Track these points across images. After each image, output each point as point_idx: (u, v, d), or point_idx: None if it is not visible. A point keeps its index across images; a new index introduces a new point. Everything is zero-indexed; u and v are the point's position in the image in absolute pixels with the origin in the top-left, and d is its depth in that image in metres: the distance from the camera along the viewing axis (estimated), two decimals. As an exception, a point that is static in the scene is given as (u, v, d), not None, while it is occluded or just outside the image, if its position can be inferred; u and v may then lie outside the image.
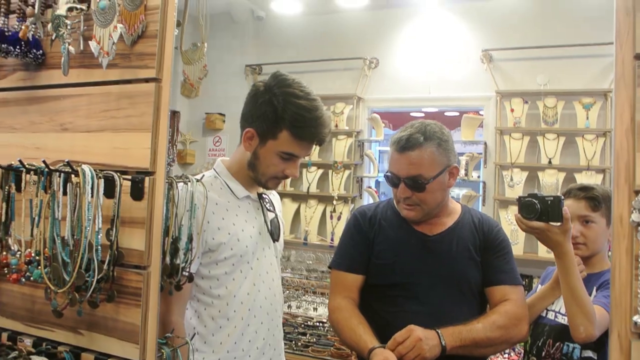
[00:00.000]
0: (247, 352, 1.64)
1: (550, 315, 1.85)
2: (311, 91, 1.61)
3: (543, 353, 1.81)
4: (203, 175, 1.67)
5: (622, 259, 0.98)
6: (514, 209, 4.05)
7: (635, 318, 0.94)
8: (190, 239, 1.35)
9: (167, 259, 1.31)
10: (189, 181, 1.36)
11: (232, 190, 1.67)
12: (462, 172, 4.30)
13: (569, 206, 1.70)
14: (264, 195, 1.76)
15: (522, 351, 2.03)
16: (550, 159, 4.10)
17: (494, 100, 4.32)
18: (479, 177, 4.46)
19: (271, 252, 1.75)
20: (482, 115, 4.43)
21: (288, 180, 4.70)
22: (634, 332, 0.96)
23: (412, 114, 5.29)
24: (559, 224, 1.55)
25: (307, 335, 3.32)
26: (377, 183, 5.44)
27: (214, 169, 1.73)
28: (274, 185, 1.70)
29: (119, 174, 1.18)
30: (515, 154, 4.19)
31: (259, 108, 1.61)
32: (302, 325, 3.42)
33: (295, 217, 4.70)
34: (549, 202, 1.56)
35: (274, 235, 1.75)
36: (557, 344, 1.79)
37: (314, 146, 1.66)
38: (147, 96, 1.22)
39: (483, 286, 1.74)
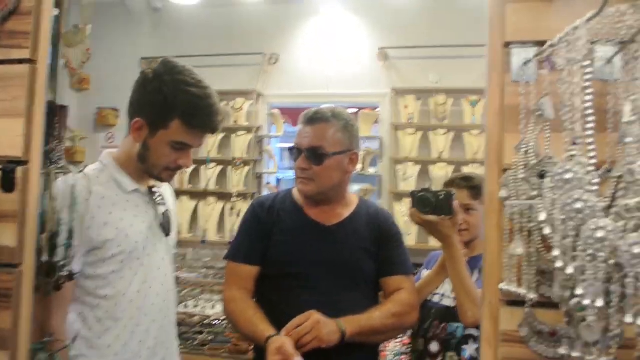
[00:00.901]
0: (137, 353, 1.56)
1: (436, 299, 1.96)
2: (203, 79, 1.56)
3: (430, 334, 1.92)
4: (85, 167, 1.57)
5: (493, 232, 1.06)
6: (408, 201, 4.26)
7: (501, 285, 1.02)
8: (70, 235, 1.26)
9: (44, 257, 1.22)
10: (70, 172, 1.27)
11: (119, 184, 1.58)
12: (359, 166, 4.42)
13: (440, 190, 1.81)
14: (154, 189, 1.69)
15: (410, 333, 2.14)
16: (440, 153, 4.34)
17: (389, 97, 4.50)
18: (375, 171, 4.62)
19: (163, 247, 1.68)
20: (378, 111, 4.60)
21: (186, 177, 4.58)
22: (502, 300, 1.04)
23: (304, 115, 5.35)
24: (449, 217, 1.65)
25: (204, 333, 3.25)
26: (278, 180, 5.46)
27: (100, 161, 1.63)
28: (168, 177, 1.63)
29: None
30: (409, 149, 4.40)
31: (148, 96, 1.53)
32: (199, 324, 3.35)
33: (193, 215, 4.59)
34: (441, 197, 1.65)
35: (166, 229, 1.68)
36: (443, 324, 1.91)
37: (207, 135, 1.61)
38: (21, 78, 1.12)
39: (378, 277, 1.79)
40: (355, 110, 4.64)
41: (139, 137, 1.55)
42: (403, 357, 3.03)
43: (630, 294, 0.78)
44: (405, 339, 3.09)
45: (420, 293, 1.89)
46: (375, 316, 1.68)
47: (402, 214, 4.20)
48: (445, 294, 1.93)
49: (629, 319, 0.79)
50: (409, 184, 4.31)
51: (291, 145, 1.79)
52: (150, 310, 1.59)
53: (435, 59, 4.42)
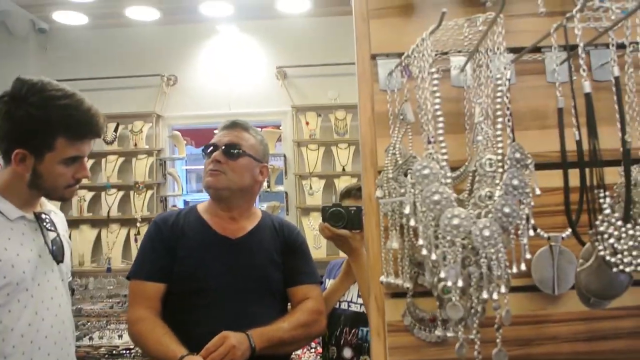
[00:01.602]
0: None
1: (344, 305, 2.02)
2: (65, 87, 1.53)
3: (341, 341, 1.97)
4: None
5: (373, 232, 1.13)
6: (315, 214, 4.36)
7: (381, 278, 1.09)
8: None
9: None
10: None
11: (1, 212, 1.51)
12: (265, 183, 4.46)
13: (350, 204, 1.88)
14: (42, 215, 1.62)
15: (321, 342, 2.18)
16: (343, 166, 4.49)
17: (290, 114, 4.59)
18: (281, 188, 4.68)
19: (55, 275, 1.61)
20: (281, 129, 4.67)
21: (85, 205, 4.39)
22: (386, 293, 1.11)
23: (215, 131, 5.33)
24: (360, 231, 1.72)
25: (113, 364, 3.12)
26: (186, 203, 5.35)
27: None
28: (71, 194, 1.60)
29: None
30: (313, 164, 4.51)
31: (20, 125, 1.47)
32: (106, 355, 3.20)
33: (96, 243, 4.39)
34: (352, 211, 1.72)
35: (57, 256, 1.62)
36: (353, 330, 1.96)
37: (92, 139, 1.57)
38: None
39: (285, 287, 1.81)
40: (258, 129, 4.69)
41: (26, 168, 1.49)
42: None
43: (485, 273, 0.88)
44: (319, 348, 3.15)
45: (328, 301, 1.92)
46: (283, 327, 1.69)
47: (310, 227, 4.28)
48: (352, 300, 1.99)
49: (485, 294, 0.88)
50: (315, 198, 4.41)
51: (205, 147, 1.83)
52: (44, 344, 1.51)
53: (332, 77, 4.58)
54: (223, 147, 1.76)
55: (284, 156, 4.60)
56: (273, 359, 1.71)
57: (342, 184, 4.45)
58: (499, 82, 0.86)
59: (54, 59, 4.71)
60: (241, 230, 1.83)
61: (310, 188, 4.46)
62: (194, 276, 1.73)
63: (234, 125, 1.83)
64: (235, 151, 1.76)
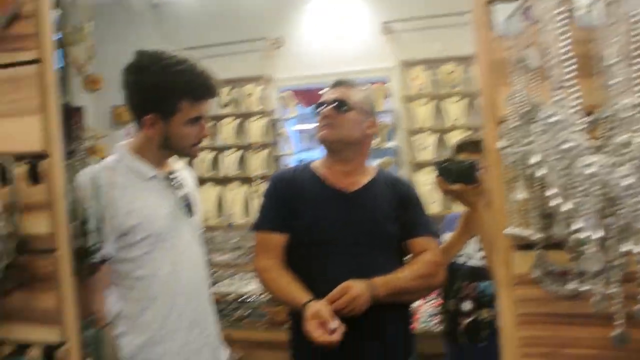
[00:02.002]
0: (177, 328, 1.65)
1: (461, 260, 2.00)
2: (179, 53, 1.66)
3: (461, 294, 1.97)
4: (102, 160, 1.66)
5: (495, 184, 1.10)
6: (427, 170, 4.30)
7: (506, 230, 1.06)
8: (99, 222, 1.34)
9: (78, 243, 1.30)
10: (89, 164, 1.35)
11: (138, 172, 1.66)
12: (376, 140, 4.46)
13: (465, 159, 1.83)
14: (173, 173, 1.77)
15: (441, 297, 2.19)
16: (455, 120, 4.34)
17: (397, 69, 4.49)
18: (392, 144, 4.64)
19: (188, 228, 1.76)
20: (388, 85, 4.60)
21: (207, 165, 4.67)
22: (513, 245, 1.08)
23: (320, 92, 5.38)
24: (475, 185, 1.68)
25: (241, 309, 3.36)
26: (297, 161, 5.51)
27: (116, 154, 1.71)
28: (196, 151, 1.75)
29: (12, 159, 1.16)
30: (423, 119, 4.40)
31: (147, 93, 1.62)
32: (235, 301, 3.46)
33: (218, 201, 4.68)
34: (465, 166, 1.70)
35: (189, 210, 1.77)
36: (472, 283, 1.95)
37: (210, 100, 1.70)
38: (31, 78, 1.19)
39: (402, 239, 1.84)
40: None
41: (156, 131, 1.63)
42: (436, 317, 3.10)
43: (625, 224, 0.82)
44: (438, 300, 3.17)
45: (446, 255, 1.92)
46: (403, 276, 1.73)
47: (423, 183, 4.23)
48: (470, 255, 1.97)
49: (625, 247, 0.82)
50: (427, 153, 4.34)
51: (317, 103, 1.90)
52: (183, 289, 1.67)
53: (439, 29, 4.37)
54: (331, 104, 1.82)
55: (393, 112, 4.54)
56: (394, 308, 1.75)
57: (454, 138, 4.31)
58: (637, 18, 0.78)
59: (168, 30, 4.97)
60: (356, 184, 1.86)
61: (422, 143, 4.37)
62: (311, 228, 1.80)
63: (340, 84, 1.89)
64: (343, 106, 1.81)
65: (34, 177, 1.18)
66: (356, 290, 1.61)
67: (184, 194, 1.76)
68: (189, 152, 1.74)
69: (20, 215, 1.17)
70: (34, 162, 1.19)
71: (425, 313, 3.19)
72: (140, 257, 1.61)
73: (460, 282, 2.00)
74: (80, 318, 1.29)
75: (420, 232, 1.84)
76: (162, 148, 1.68)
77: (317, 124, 1.86)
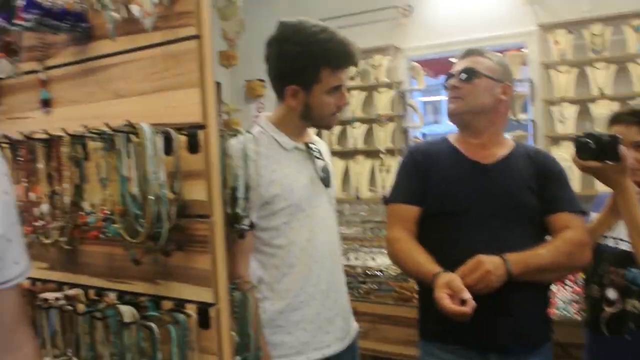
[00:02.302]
0: (313, 296, 1.72)
1: (610, 242, 1.84)
2: (319, 22, 1.67)
3: (606, 280, 1.81)
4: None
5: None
6: (567, 144, 3.97)
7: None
8: (247, 189, 1.42)
9: (228, 209, 1.38)
10: (240, 134, 1.42)
11: (279, 143, 1.73)
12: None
13: (620, 133, 1.66)
14: (311, 145, 1.81)
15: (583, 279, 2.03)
16: (601, 89, 3.95)
17: (536, 34, 4.18)
18: (527, 116, 4.36)
19: (325, 198, 1.80)
20: (525, 51, 4.30)
21: (334, 138, 4.74)
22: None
23: (451, 59, 5.18)
24: (615, 163, 1.54)
25: (368, 283, 3.41)
26: (423, 135, 5.41)
27: (259, 125, 1.79)
28: (335, 121, 1.79)
29: (174, 130, 1.25)
30: (564, 88, 4.06)
31: (289, 64, 1.66)
32: (362, 275, 3.51)
33: (344, 174, 4.75)
34: (605, 141, 1.55)
35: (326, 182, 1.80)
36: (619, 270, 1.78)
37: (349, 67, 1.72)
38: (191, 53, 1.27)
39: (543, 215, 1.74)
40: (499, 54, 4.40)
41: (298, 101, 1.68)
42: (574, 304, 2.90)
43: None
44: (577, 287, 2.96)
45: (591, 236, 1.79)
46: (542, 253, 1.64)
47: (561, 158, 3.91)
48: (621, 238, 1.80)
49: None
50: (567, 126, 4.01)
51: (446, 75, 1.87)
52: (319, 257, 1.73)
53: (584, -15, 4.00)
54: (459, 75, 1.78)
55: (530, 81, 4.24)
56: (530, 288, 1.67)
57: (599, 109, 3.94)
58: None
59: (300, 4, 5.05)
60: (493, 156, 1.80)
61: (562, 115, 4.05)
62: (447, 198, 1.77)
63: (469, 53, 1.84)
64: (471, 75, 1.76)
65: (193, 146, 1.27)
66: (488, 265, 1.55)
67: (322, 165, 1.80)
68: (327, 122, 1.77)
69: (181, 182, 1.27)
70: (193, 132, 1.27)
71: (564, 299, 3.00)
72: (280, 226, 1.68)
73: (607, 267, 1.83)
74: (229, 281, 1.37)
75: (563, 208, 1.72)
76: (302, 118, 1.72)
77: (447, 98, 1.83)
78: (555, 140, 4.10)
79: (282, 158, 1.72)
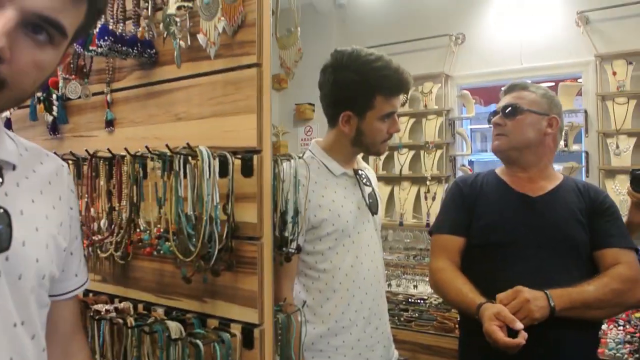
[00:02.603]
0: (354, 322, 1.72)
1: None
2: (374, 51, 1.71)
3: None
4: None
5: None
6: (622, 177, 3.84)
7: None
8: (296, 213, 1.44)
9: (277, 232, 1.41)
10: (292, 158, 1.45)
11: (329, 169, 1.76)
12: (561, 143, 4.12)
13: None
14: (359, 172, 1.83)
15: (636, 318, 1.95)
16: (661, 122, 3.82)
17: (592, 64, 4.10)
18: (580, 147, 4.25)
19: (371, 225, 1.81)
20: (581, 81, 4.21)
21: (380, 164, 4.74)
22: None
23: (503, 88, 5.13)
24: None
25: (409, 311, 3.36)
26: (471, 162, 5.33)
27: (309, 150, 1.82)
28: (385, 148, 1.81)
29: (230, 153, 1.30)
30: (621, 120, 3.94)
31: (344, 91, 1.70)
32: (404, 302, 3.47)
33: (389, 199, 4.73)
34: None
35: (373, 208, 1.81)
36: None
37: (402, 96, 1.75)
38: (250, 81, 1.32)
39: (592, 250, 1.69)
40: (552, 83, 4.33)
41: (351, 128, 1.71)
42: (627, 346, 2.77)
43: None
44: (630, 327, 2.83)
45: None
46: (588, 290, 1.59)
47: (616, 192, 3.80)
48: None
49: None
50: (623, 159, 3.89)
51: (492, 112, 1.90)
52: (362, 284, 1.73)
53: (644, 16, 3.90)
54: (502, 111, 1.79)
55: (585, 112, 4.14)
56: (579, 327, 1.61)
57: (658, 142, 3.81)
58: None
59: (351, 30, 5.15)
60: (541, 189, 1.78)
61: (617, 147, 3.93)
62: (492, 229, 1.76)
63: (512, 88, 1.85)
64: (514, 111, 1.77)
65: (247, 170, 1.30)
66: (527, 294, 1.53)
67: (370, 192, 1.82)
68: (378, 149, 1.79)
69: (233, 204, 1.30)
70: (248, 156, 1.31)
71: (616, 339, 2.87)
72: (325, 251, 1.70)
73: (664, 308, 1.76)
74: (274, 303, 1.39)
75: (613, 243, 1.68)
76: (354, 145, 1.75)
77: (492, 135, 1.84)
78: (610, 173, 3.97)
79: (330, 183, 1.74)
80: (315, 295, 1.71)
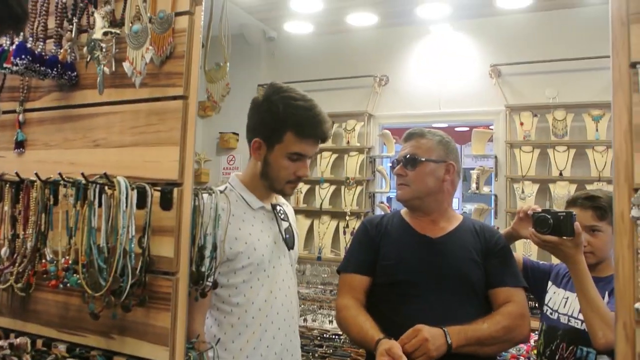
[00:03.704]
0: (265, 357, 1.69)
1: (563, 319, 1.89)
2: (306, 94, 1.72)
3: (556, 357, 1.85)
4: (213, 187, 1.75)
5: (625, 253, 1.04)
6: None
7: (637, 305, 1.00)
8: (214, 248, 1.41)
9: (193, 267, 1.37)
10: (213, 192, 1.43)
11: (246, 202, 1.74)
12: (473, 185, 4.36)
13: (576, 216, 1.75)
14: (277, 207, 1.84)
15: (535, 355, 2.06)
16: (561, 171, 4.15)
17: (503, 114, 4.40)
18: (490, 190, 4.52)
19: (287, 260, 1.81)
20: (492, 129, 4.50)
21: (301, 197, 4.77)
22: (637, 320, 1.01)
23: (403, 135, 5.36)
24: (570, 238, 1.62)
25: (324, 347, 3.35)
26: (389, 199, 5.50)
27: (229, 183, 1.80)
28: (290, 189, 1.77)
29: (150, 185, 1.26)
30: (526, 167, 4.25)
31: (261, 117, 1.71)
32: (318, 338, 3.46)
33: (308, 232, 4.76)
34: (562, 217, 1.65)
35: (289, 243, 1.81)
36: (571, 347, 1.83)
37: (318, 144, 1.74)
38: (175, 112, 1.30)
39: (486, 288, 1.79)
40: (467, 128, 4.60)
41: (259, 156, 1.72)
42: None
43: None
44: (526, 361, 2.98)
45: None
46: (482, 327, 1.68)
47: (519, 233, 4.04)
48: (572, 315, 1.86)
49: None
50: (528, 203, 4.16)
51: (393, 161, 1.97)
52: (275, 319, 1.71)
53: (551, 74, 4.27)
54: (402, 160, 1.88)
55: (495, 157, 4.42)
56: None
57: (558, 189, 4.13)
58: None
59: (280, 63, 5.22)
60: (441, 230, 1.88)
61: (523, 192, 4.21)
62: (394, 269, 1.83)
63: (410, 137, 1.93)
64: (413, 161, 1.85)
65: (167, 203, 1.27)
66: (426, 333, 1.59)
67: (287, 227, 1.83)
68: (282, 188, 1.75)
69: (149, 238, 1.26)
70: (168, 189, 1.28)
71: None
72: (240, 284, 1.67)
73: (558, 343, 1.88)
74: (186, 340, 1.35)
75: (505, 282, 1.79)
76: (261, 176, 1.74)
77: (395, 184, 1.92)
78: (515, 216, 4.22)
79: (248, 217, 1.73)
80: (227, 330, 1.67)
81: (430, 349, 1.57)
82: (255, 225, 1.72)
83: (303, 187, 4.86)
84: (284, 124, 1.67)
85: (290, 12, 4.55)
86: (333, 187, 4.79)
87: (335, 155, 4.83)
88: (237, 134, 5.24)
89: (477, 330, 1.66)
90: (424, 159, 1.85)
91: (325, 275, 4.11)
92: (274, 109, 1.67)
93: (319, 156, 4.86)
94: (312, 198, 4.86)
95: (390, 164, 1.99)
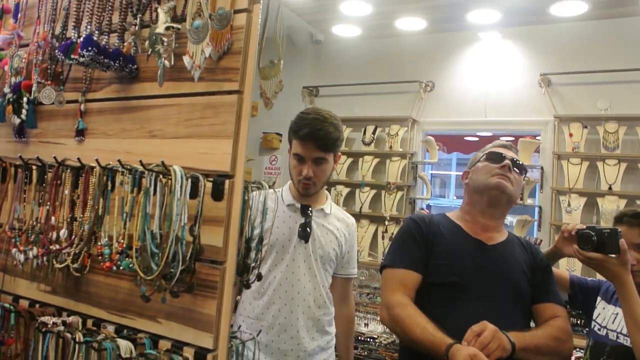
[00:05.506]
0: (271, 325, 2.04)
1: (612, 336, 1.85)
2: (328, 112, 2.05)
3: None
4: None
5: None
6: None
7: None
8: (260, 241, 1.44)
9: (240, 258, 1.41)
10: (262, 187, 1.46)
11: (282, 198, 2.13)
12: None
13: (623, 233, 1.70)
14: (309, 208, 2.10)
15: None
16: (610, 185, 4.03)
17: (551, 124, 4.31)
18: (534, 202, 4.42)
19: (303, 249, 2.08)
20: (539, 139, 4.41)
21: (341, 200, 4.80)
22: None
23: (466, 138, 5.30)
24: (616, 255, 1.59)
25: (358, 349, 3.35)
26: (429, 206, 5.44)
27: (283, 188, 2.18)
28: (303, 188, 2.07)
29: (202, 175, 1.30)
30: (574, 179, 4.15)
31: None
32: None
33: (347, 236, 4.75)
34: (606, 234, 1.62)
35: (302, 237, 2.07)
36: None
37: (313, 147, 1.98)
38: (230, 107, 1.34)
39: (532, 302, 1.78)
40: (512, 138, 4.52)
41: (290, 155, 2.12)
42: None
43: None
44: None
45: None
46: (538, 334, 1.67)
47: (564, 247, 3.94)
48: (622, 332, 1.82)
49: None
50: (573, 217, 4.06)
51: (497, 155, 1.92)
52: (284, 296, 2.04)
53: (603, 84, 4.16)
54: (514, 163, 1.86)
55: (541, 168, 4.33)
56: None
57: (606, 204, 4.01)
58: None
59: (325, 66, 5.25)
60: (492, 239, 1.87)
61: (569, 205, 4.11)
62: (450, 269, 1.78)
63: (510, 146, 1.96)
64: (521, 169, 1.88)
65: (218, 194, 1.31)
66: (494, 329, 1.54)
67: (305, 222, 2.07)
68: (297, 186, 2.08)
69: (200, 226, 1.30)
70: (220, 180, 1.32)
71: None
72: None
73: (605, 359, 1.84)
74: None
75: (551, 299, 1.79)
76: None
77: (492, 172, 1.83)
78: (560, 229, 4.12)
79: (279, 209, 2.08)
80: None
81: (503, 339, 1.53)
82: (280, 216, 2.08)
83: (343, 190, 4.87)
84: (291, 131, 2.04)
85: (340, 15, 4.57)
86: (374, 192, 4.78)
87: (377, 160, 4.83)
88: (280, 135, 5.30)
89: (535, 336, 1.65)
90: (525, 170, 1.92)
91: (363, 278, 4.09)
92: (293, 120, 2.04)
93: (360, 159, 4.87)
94: (352, 201, 4.87)
95: (499, 156, 1.92)
